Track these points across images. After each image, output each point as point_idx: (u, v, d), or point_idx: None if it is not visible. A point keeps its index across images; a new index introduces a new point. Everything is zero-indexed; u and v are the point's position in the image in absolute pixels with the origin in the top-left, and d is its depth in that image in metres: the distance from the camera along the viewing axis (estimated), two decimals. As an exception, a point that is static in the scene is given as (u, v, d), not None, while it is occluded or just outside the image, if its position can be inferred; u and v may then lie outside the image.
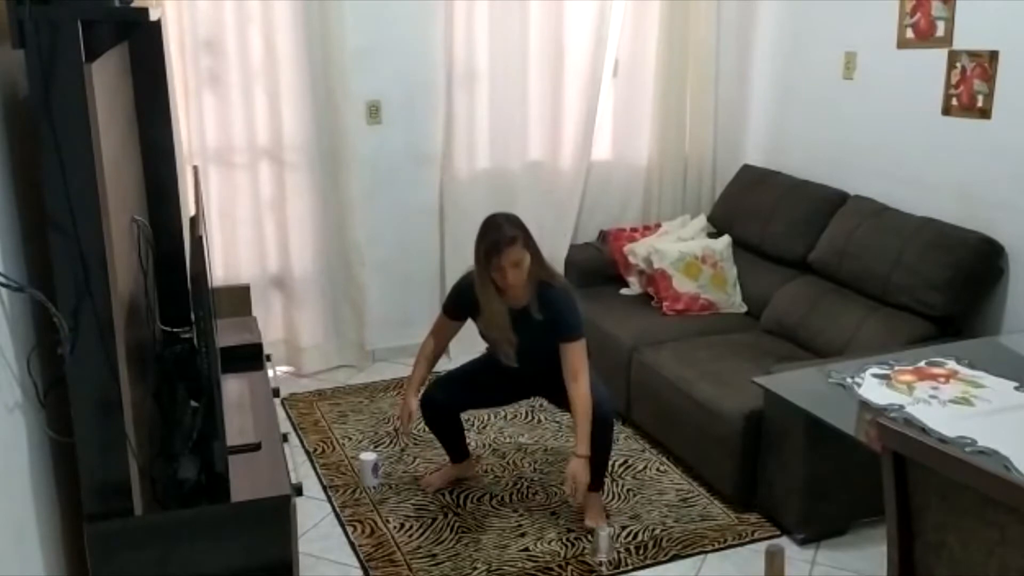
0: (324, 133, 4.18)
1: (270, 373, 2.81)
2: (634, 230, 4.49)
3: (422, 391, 3.29)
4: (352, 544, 3.07)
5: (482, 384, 3.33)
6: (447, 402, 3.30)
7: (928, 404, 2.36)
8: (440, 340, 3.31)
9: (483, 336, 3.23)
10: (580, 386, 3.01)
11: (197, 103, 4.00)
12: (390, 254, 4.44)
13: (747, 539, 3.09)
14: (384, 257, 4.41)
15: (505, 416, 3.97)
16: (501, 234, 2.94)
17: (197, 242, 2.11)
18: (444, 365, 3.49)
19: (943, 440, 2.12)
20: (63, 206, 1.68)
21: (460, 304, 3.20)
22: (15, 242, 1.84)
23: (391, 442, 3.77)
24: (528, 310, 3.04)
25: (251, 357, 2.86)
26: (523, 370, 3.17)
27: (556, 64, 4.50)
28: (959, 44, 3.48)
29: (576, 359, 3.02)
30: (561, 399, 3.16)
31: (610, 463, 3.31)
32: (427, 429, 3.46)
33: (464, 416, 3.74)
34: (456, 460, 3.47)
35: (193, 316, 2.65)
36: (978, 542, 1.61)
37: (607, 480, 3.43)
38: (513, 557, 2.99)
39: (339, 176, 4.24)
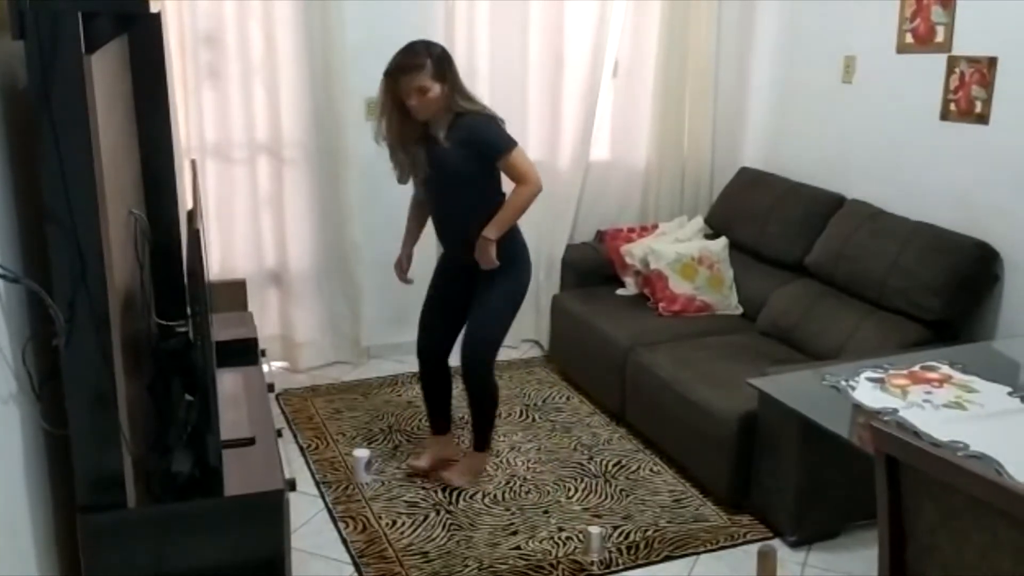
0: (323, 129, 4.18)
1: (265, 368, 2.81)
2: (631, 231, 4.49)
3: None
4: (344, 540, 3.07)
5: (444, 299, 3.38)
6: (430, 337, 3.39)
7: (921, 408, 2.36)
8: (416, 203, 3.43)
9: (392, 160, 3.21)
10: (527, 187, 3.09)
11: (196, 97, 3.99)
12: (387, 251, 4.40)
13: (740, 540, 3.10)
14: (381, 254, 4.40)
15: (499, 415, 3.97)
16: (410, 58, 2.99)
17: (194, 236, 2.10)
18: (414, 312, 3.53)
19: (936, 444, 2.13)
20: (60, 198, 1.68)
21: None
22: (12, 233, 1.84)
23: (384, 439, 3.77)
24: (440, 141, 3.07)
25: (246, 352, 2.86)
26: (443, 214, 3.26)
27: (556, 64, 4.51)
28: (958, 49, 3.49)
29: (520, 165, 3.09)
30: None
31: (493, 427, 3.45)
32: (419, 428, 3.47)
33: (459, 415, 3.75)
34: (437, 431, 3.51)
35: (189, 310, 2.65)
36: (970, 545, 1.61)
37: (600, 480, 3.44)
38: (504, 555, 2.99)
39: (337, 173, 4.25)
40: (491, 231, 3.09)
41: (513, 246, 3.22)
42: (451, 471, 3.42)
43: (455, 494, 3.35)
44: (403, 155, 3.16)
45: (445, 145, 3.08)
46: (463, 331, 3.30)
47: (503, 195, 3.19)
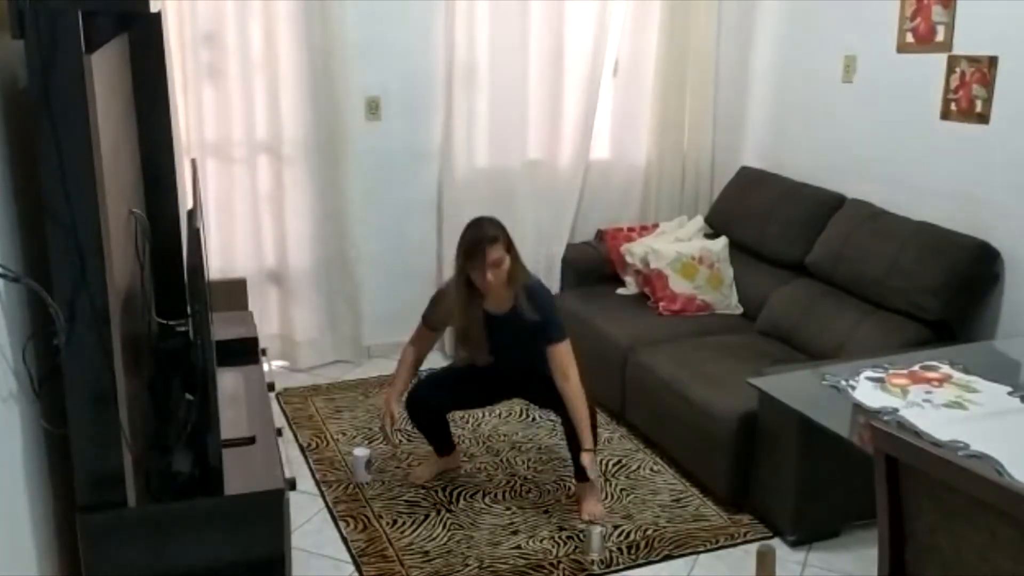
0: (323, 128, 4.18)
1: (265, 367, 2.81)
2: (631, 230, 4.49)
3: (406, 394, 3.33)
4: (344, 539, 3.07)
5: (465, 384, 3.36)
6: (433, 403, 3.35)
7: (921, 408, 2.36)
8: (420, 349, 3.35)
9: (458, 342, 3.28)
10: (572, 384, 3.06)
11: (196, 96, 3.99)
12: (387, 250, 4.44)
13: (739, 540, 3.10)
14: (381, 253, 4.41)
15: (499, 414, 3.98)
16: (483, 233, 2.99)
17: (194, 235, 2.10)
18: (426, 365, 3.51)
19: (936, 443, 2.13)
20: (61, 197, 1.68)
21: (439, 313, 3.24)
22: (12, 232, 1.84)
23: (384, 438, 3.77)
24: (511, 314, 3.07)
25: (246, 351, 2.86)
26: (503, 371, 3.23)
27: (556, 63, 4.51)
28: (959, 49, 3.49)
29: (565, 360, 3.07)
30: (542, 399, 3.25)
31: (599, 461, 3.35)
32: (413, 427, 3.47)
33: (459, 415, 3.76)
34: (442, 454, 3.49)
35: (189, 309, 2.65)
36: (969, 545, 1.61)
37: (600, 480, 3.44)
38: (505, 554, 2.99)
39: (337, 172, 4.24)
40: (587, 442, 3.05)
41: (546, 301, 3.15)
42: (587, 507, 3.20)
43: (455, 493, 3.35)
44: (479, 352, 3.15)
45: (515, 319, 3.05)
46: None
47: None
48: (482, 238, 2.97)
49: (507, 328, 3.10)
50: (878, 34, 3.83)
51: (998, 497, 1.53)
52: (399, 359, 3.35)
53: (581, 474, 3.16)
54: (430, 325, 3.30)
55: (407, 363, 3.31)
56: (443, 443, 3.48)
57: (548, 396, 3.14)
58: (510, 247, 3.03)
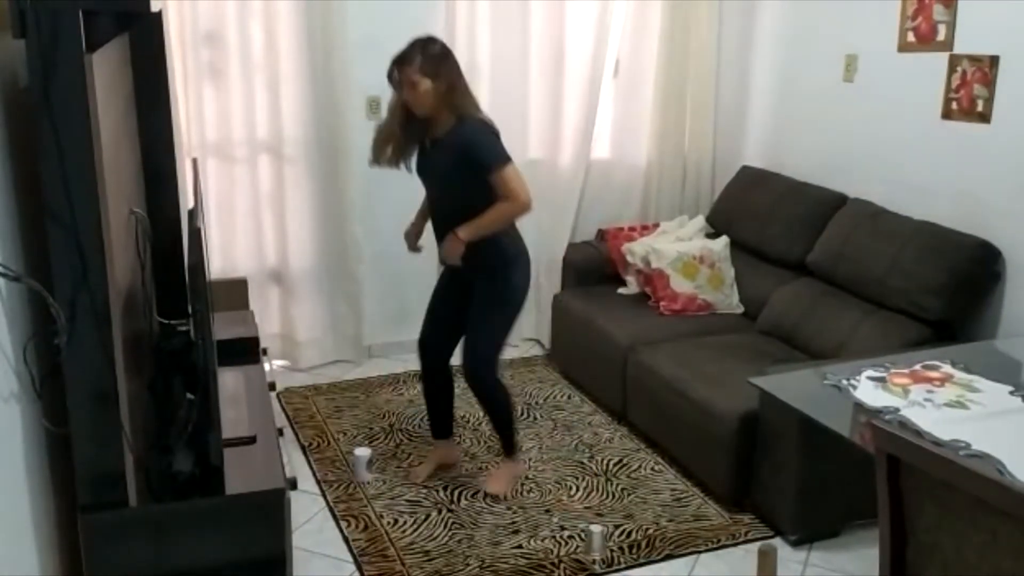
0: (324, 128, 4.18)
1: (266, 367, 2.81)
2: (632, 229, 4.49)
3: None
4: (346, 539, 3.07)
5: (445, 299, 3.38)
6: (430, 337, 3.39)
7: (923, 407, 2.36)
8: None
9: (377, 144, 3.23)
10: (508, 203, 3.03)
11: (197, 96, 4.00)
12: (388, 250, 4.42)
13: (740, 539, 3.10)
14: (382, 253, 4.41)
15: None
16: (404, 51, 3.05)
17: (195, 235, 2.10)
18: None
19: (937, 443, 2.13)
20: (61, 196, 1.68)
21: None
22: (13, 231, 1.84)
23: (386, 438, 3.77)
24: (445, 140, 3.09)
25: (247, 351, 2.86)
26: (437, 215, 3.24)
27: (557, 63, 4.51)
28: (960, 48, 3.48)
29: (501, 186, 3.02)
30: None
31: (513, 431, 3.41)
32: (420, 427, 3.47)
33: (460, 414, 3.76)
34: (438, 435, 3.51)
35: (190, 309, 2.65)
36: (970, 545, 1.61)
37: (601, 479, 3.45)
38: (506, 554, 2.99)
39: (338, 171, 4.25)
40: (463, 231, 3.04)
41: (503, 254, 3.17)
42: (489, 481, 3.38)
43: (456, 493, 3.35)
44: (389, 140, 3.18)
45: (442, 146, 3.10)
46: (464, 355, 3.24)
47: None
48: (399, 56, 3.04)
49: (436, 155, 3.13)
50: (879, 33, 3.82)
51: (999, 497, 1.53)
52: None
53: (505, 450, 3.39)
54: (373, 146, 3.26)
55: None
56: (443, 419, 3.50)
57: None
58: (436, 74, 3.02)
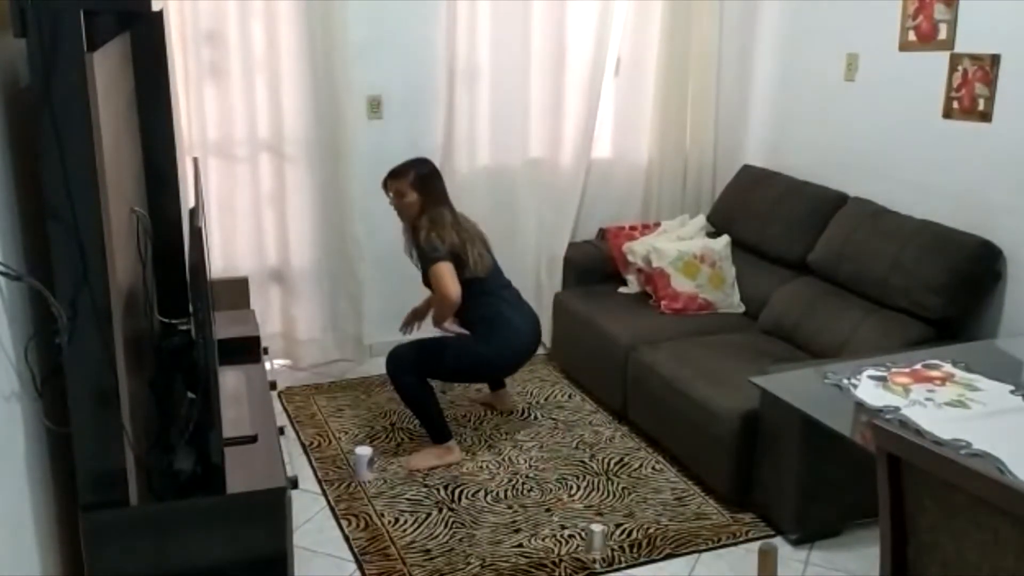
0: (325, 127, 4.18)
1: (267, 366, 2.81)
2: (633, 228, 4.49)
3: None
4: (347, 538, 3.07)
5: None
6: (410, 361, 3.57)
7: (923, 406, 2.36)
8: None
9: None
10: (441, 298, 3.45)
11: (198, 95, 3.99)
12: (389, 249, 4.41)
13: (741, 538, 3.10)
14: (383, 252, 4.41)
15: (500, 413, 3.98)
16: (399, 166, 3.58)
17: (196, 234, 2.10)
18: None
19: (938, 442, 2.13)
20: (62, 196, 1.68)
21: None
22: (14, 231, 1.84)
23: (386, 437, 3.78)
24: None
25: (248, 350, 2.87)
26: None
27: (557, 62, 4.50)
28: (961, 47, 3.48)
29: (435, 282, 3.45)
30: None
31: (436, 422, 3.57)
32: (420, 426, 3.49)
33: (461, 413, 3.76)
34: (439, 441, 3.55)
35: (191, 308, 2.65)
36: (971, 544, 1.61)
37: (602, 478, 3.45)
38: (507, 553, 2.99)
39: (339, 170, 4.24)
40: (432, 320, 3.61)
41: (483, 326, 3.54)
42: (412, 458, 3.56)
43: (458, 492, 3.35)
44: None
45: (413, 251, 3.61)
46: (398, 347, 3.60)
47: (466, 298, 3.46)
48: (394, 169, 3.57)
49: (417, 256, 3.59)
50: (880, 32, 3.82)
51: (1000, 496, 1.53)
52: None
53: (431, 438, 3.58)
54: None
55: None
56: (437, 428, 3.56)
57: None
58: (422, 189, 3.52)
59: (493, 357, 3.59)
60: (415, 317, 3.88)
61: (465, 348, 3.55)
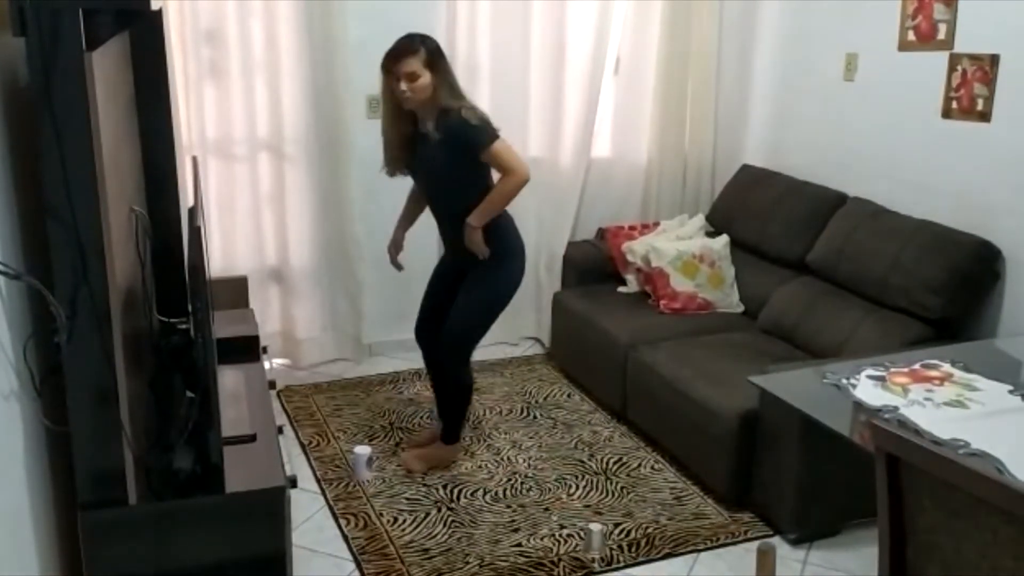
0: (324, 126, 4.18)
1: (266, 365, 2.81)
2: (632, 228, 4.49)
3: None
4: (345, 537, 3.07)
5: (439, 293, 3.47)
6: (429, 323, 3.45)
7: (922, 406, 2.36)
8: (413, 195, 3.51)
9: (384, 153, 3.30)
10: (506, 179, 3.13)
11: (197, 94, 3.99)
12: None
13: (740, 538, 3.10)
14: (382, 251, 4.37)
15: (500, 412, 3.98)
16: (405, 43, 3.09)
17: (195, 233, 2.10)
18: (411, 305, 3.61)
19: (936, 442, 2.13)
20: (62, 195, 1.68)
21: (385, 144, 3.29)
22: (13, 230, 1.84)
23: (386, 436, 3.78)
24: (427, 136, 3.16)
25: (248, 349, 2.86)
26: (437, 209, 3.34)
27: (557, 61, 4.50)
28: (960, 47, 3.48)
29: (496, 162, 3.12)
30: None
31: (462, 423, 3.51)
32: (420, 425, 3.48)
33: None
34: (454, 441, 3.54)
35: (190, 307, 2.65)
36: (970, 544, 1.61)
37: (601, 477, 3.45)
38: (505, 552, 2.99)
39: (339, 170, 4.25)
40: (474, 218, 3.16)
41: (504, 243, 3.26)
42: (413, 454, 3.49)
43: (457, 491, 3.35)
44: (393, 150, 3.26)
45: (433, 141, 3.14)
46: (443, 332, 3.34)
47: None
48: (401, 48, 3.07)
49: (430, 148, 3.17)
50: (879, 32, 3.82)
51: (999, 496, 1.53)
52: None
53: (445, 436, 3.47)
54: (385, 160, 3.31)
55: (406, 207, 3.53)
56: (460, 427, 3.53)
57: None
58: (434, 67, 3.08)
59: (518, 276, 3.34)
60: (398, 249, 3.52)
61: (501, 279, 3.28)
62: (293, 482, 2.14)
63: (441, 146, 3.12)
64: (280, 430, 2.40)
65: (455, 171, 3.17)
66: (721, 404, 3.20)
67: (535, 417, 3.96)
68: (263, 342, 3.02)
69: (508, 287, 3.32)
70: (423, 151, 3.20)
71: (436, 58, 3.10)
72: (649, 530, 3.13)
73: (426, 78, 3.06)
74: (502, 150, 3.11)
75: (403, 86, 3.06)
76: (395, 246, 3.53)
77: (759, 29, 4.60)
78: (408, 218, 3.54)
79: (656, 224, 4.53)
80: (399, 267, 3.56)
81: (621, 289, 4.35)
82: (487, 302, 3.31)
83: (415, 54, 3.05)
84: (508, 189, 3.14)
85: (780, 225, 4.08)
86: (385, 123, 3.24)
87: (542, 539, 3.07)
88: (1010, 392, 2.45)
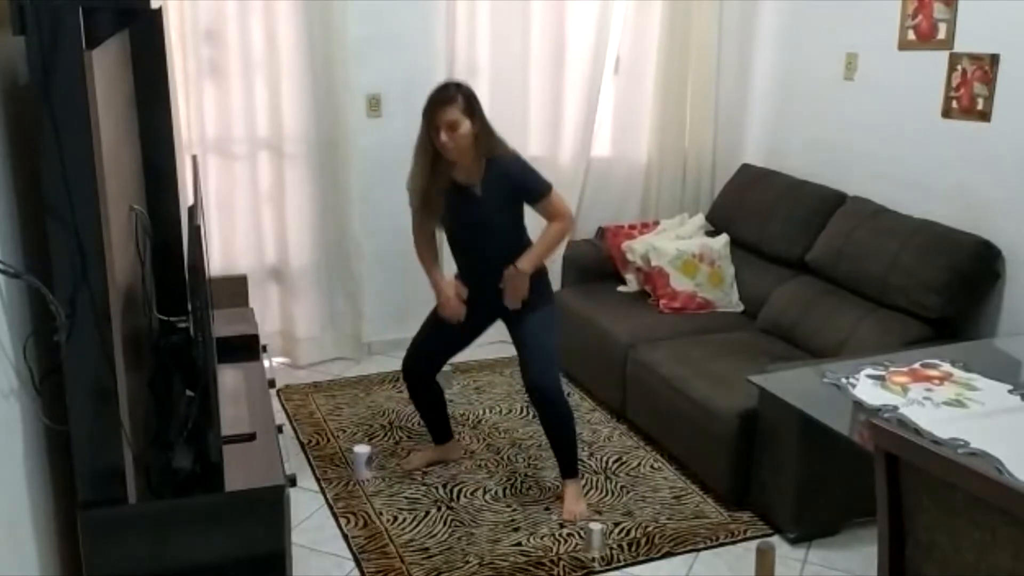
0: (324, 125, 4.18)
1: (266, 364, 2.81)
2: (632, 227, 4.49)
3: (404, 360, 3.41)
4: (345, 536, 3.07)
5: (446, 329, 3.28)
6: (426, 365, 3.37)
7: (922, 405, 2.36)
8: (424, 240, 3.25)
9: (419, 208, 3.16)
10: (557, 223, 3.10)
11: (197, 93, 3.99)
12: (388, 247, 4.43)
13: (739, 537, 3.10)
14: (382, 250, 4.41)
15: (500, 411, 3.98)
16: (442, 93, 2.99)
17: (195, 232, 2.10)
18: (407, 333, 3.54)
19: (936, 441, 2.13)
20: (61, 193, 1.68)
21: (413, 195, 3.16)
22: (13, 228, 1.84)
23: (385, 435, 3.78)
24: (479, 186, 3.05)
25: (247, 348, 2.86)
26: (474, 271, 3.20)
27: (557, 60, 4.50)
28: (960, 46, 3.48)
29: (556, 208, 3.09)
30: (515, 312, 3.18)
31: (579, 448, 3.32)
32: (415, 416, 3.48)
33: (460, 411, 3.76)
34: (439, 441, 3.52)
35: (190, 306, 2.65)
36: (969, 543, 1.62)
37: (600, 477, 3.45)
38: (505, 551, 2.99)
39: (338, 169, 4.25)
40: (525, 263, 3.08)
41: (549, 283, 3.27)
42: (566, 508, 3.21)
43: (456, 490, 3.35)
44: (424, 203, 3.12)
45: (477, 189, 3.05)
46: (528, 368, 3.19)
47: (527, 236, 3.19)
48: (439, 99, 2.97)
49: (474, 201, 3.06)
50: (879, 32, 3.82)
51: (998, 495, 1.53)
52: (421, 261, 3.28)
53: (566, 471, 3.24)
54: (413, 207, 3.19)
55: (424, 254, 3.26)
56: (439, 427, 3.50)
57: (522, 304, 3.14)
58: (473, 114, 2.98)
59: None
60: (520, 286, 3.14)
61: (556, 316, 3.28)
62: (292, 481, 2.14)
63: (494, 194, 3.04)
64: (280, 429, 2.40)
65: (508, 218, 3.11)
66: (720, 403, 3.20)
67: (535, 416, 3.95)
68: (263, 341, 3.02)
69: (558, 311, 3.33)
70: (463, 202, 3.08)
71: (473, 104, 3.00)
72: (649, 529, 3.13)
73: (466, 126, 2.96)
74: (557, 199, 3.10)
75: (443, 137, 2.95)
76: (458, 293, 3.21)
77: (759, 29, 4.60)
78: (436, 260, 3.32)
79: (656, 223, 4.53)
80: (458, 316, 3.25)
81: (621, 288, 4.35)
82: (553, 332, 3.23)
83: (453, 103, 2.95)
84: (559, 235, 3.13)
85: (780, 224, 4.08)
86: (421, 178, 3.08)
87: (542, 538, 3.07)
88: (1009, 392, 2.45)
